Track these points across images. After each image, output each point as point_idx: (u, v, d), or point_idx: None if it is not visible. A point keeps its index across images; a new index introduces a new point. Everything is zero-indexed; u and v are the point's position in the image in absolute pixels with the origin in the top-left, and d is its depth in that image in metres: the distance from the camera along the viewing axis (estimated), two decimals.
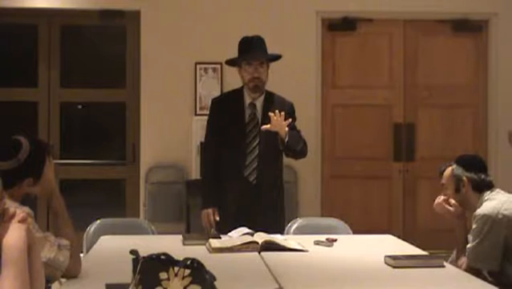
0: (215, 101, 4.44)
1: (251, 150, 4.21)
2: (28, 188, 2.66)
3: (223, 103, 4.37)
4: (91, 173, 6.76)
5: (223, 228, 3.97)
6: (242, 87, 4.31)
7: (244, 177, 4.19)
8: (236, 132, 4.22)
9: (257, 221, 3.88)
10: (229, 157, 4.23)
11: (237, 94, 4.31)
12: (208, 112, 4.44)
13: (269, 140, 4.16)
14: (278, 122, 4.02)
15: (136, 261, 2.14)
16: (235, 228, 3.75)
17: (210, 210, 4.24)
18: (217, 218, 4.21)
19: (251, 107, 4.25)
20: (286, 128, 4.04)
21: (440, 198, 3.59)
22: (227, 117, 4.26)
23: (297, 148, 4.19)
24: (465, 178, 3.46)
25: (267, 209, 4.20)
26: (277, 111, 4.03)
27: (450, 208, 3.53)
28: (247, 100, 4.26)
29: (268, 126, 4.04)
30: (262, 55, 4.24)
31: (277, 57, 4.36)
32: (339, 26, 6.78)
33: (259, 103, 4.24)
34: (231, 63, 4.41)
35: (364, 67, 6.81)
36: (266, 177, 4.22)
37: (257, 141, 4.21)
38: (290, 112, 4.19)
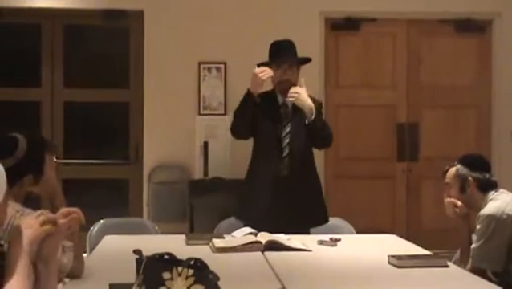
0: None
1: (284, 146, 4.29)
2: (29, 186, 2.65)
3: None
4: (95, 173, 6.75)
5: (258, 224, 3.82)
6: (274, 88, 4.41)
7: (278, 174, 4.26)
8: (270, 130, 4.32)
9: (291, 216, 4.01)
10: (263, 155, 4.34)
11: (271, 94, 4.41)
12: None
13: (301, 134, 4.27)
14: (296, 92, 4.16)
15: (139, 261, 2.14)
16: (270, 225, 3.72)
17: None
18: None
19: (284, 107, 4.36)
20: (311, 102, 4.18)
21: (449, 200, 3.56)
22: (262, 115, 4.32)
23: (323, 127, 4.30)
24: (470, 178, 3.45)
25: (303, 204, 4.26)
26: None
27: (457, 209, 3.52)
28: (280, 100, 4.37)
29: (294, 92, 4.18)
30: (290, 58, 4.34)
31: (306, 60, 4.47)
32: (343, 26, 6.76)
33: (290, 103, 4.31)
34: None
35: (368, 67, 6.80)
36: (299, 173, 4.29)
37: (289, 138, 4.30)
38: (318, 109, 4.31)
